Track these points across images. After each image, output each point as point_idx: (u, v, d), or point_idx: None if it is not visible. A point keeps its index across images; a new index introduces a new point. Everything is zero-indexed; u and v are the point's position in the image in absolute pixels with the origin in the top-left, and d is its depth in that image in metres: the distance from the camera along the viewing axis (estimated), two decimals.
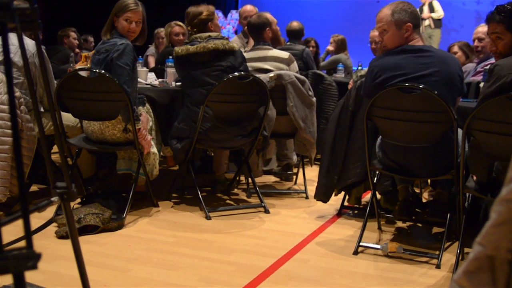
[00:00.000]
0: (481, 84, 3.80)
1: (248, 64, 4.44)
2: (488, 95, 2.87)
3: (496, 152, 2.88)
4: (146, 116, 3.98)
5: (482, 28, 5.11)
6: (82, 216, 3.56)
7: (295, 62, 4.88)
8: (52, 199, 1.59)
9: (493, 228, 1.02)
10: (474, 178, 3.19)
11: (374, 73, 3.43)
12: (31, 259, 1.11)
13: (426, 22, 10.93)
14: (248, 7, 6.32)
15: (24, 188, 1.18)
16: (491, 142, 2.90)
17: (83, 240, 3.41)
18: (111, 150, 4.11)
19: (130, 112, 3.74)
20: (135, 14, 3.95)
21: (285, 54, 4.83)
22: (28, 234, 1.15)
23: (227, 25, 13.87)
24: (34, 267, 1.11)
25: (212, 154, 5.07)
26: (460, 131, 3.10)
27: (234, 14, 13.98)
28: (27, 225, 1.13)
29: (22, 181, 1.17)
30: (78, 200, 4.01)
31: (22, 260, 1.10)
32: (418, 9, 10.73)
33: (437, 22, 10.88)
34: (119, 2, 3.99)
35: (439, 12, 10.87)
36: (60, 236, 3.44)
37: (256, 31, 4.89)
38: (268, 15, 4.96)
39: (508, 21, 2.92)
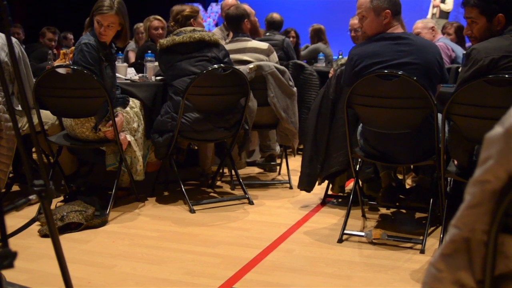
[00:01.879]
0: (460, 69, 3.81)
1: None
2: (466, 79, 2.89)
3: (475, 135, 2.89)
4: (121, 118, 3.94)
5: (416, 24, 5.68)
6: (65, 213, 3.53)
7: (274, 53, 4.87)
8: (30, 197, 1.58)
9: (468, 210, 1.03)
10: (455, 162, 3.22)
11: (353, 61, 3.43)
12: (7, 258, 1.10)
13: (434, 10, 10.78)
14: (230, 0, 6.29)
15: None
16: (471, 126, 2.92)
17: (67, 238, 3.40)
18: (92, 147, 4.08)
19: (105, 111, 3.71)
20: (105, 18, 3.79)
21: (264, 45, 4.82)
22: (4, 233, 1.14)
23: (208, 18, 13.82)
24: (10, 265, 1.10)
25: (196, 148, 5.05)
26: (440, 116, 3.12)
27: (214, 7, 13.94)
28: (1, 224, 1.13)
29: None
30: (61, 198, 3.98)
31: None
32: None
33: (444, 14, 10.69)
34: (98, 1, 3.88)
35: (448, 5, 10.70)
36: (43, 234, 3.41)
37: (234, 23, 4.87)
38: (246, 7, 4.95)
39: (482, 5, 2.92)
